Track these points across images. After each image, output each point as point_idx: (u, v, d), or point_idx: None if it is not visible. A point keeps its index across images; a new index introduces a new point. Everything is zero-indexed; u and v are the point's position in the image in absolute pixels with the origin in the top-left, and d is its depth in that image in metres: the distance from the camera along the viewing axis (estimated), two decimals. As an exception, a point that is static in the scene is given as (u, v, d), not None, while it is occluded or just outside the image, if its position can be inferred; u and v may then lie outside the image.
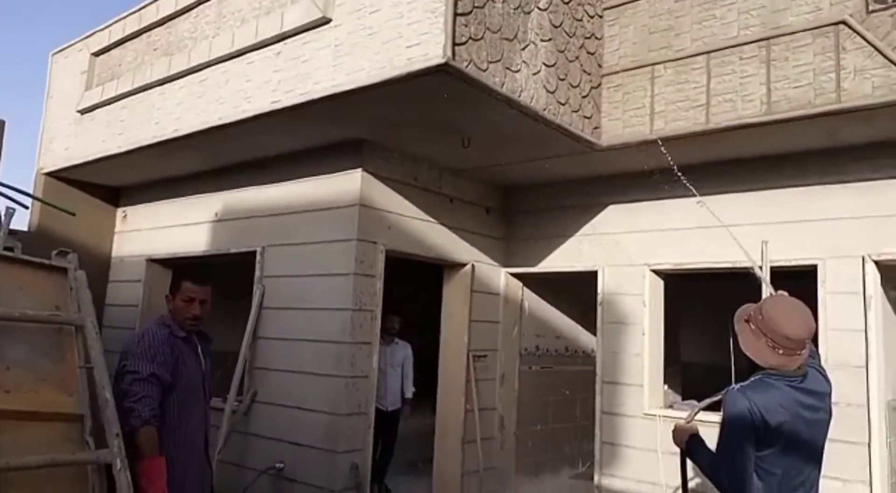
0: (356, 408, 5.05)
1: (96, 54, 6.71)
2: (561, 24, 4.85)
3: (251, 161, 6.03)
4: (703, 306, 7.18)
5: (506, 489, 6.36)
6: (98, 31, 6.70)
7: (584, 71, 5.06)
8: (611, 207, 6.01)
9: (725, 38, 4.61)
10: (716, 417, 2.26)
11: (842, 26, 4.13)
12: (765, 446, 2.17)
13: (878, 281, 4.67)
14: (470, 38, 4.03)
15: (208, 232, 6.44)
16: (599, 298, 5.92)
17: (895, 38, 3.95)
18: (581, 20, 5.06)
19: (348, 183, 5.29)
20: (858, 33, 4.06)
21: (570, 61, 4.93)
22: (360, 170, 5.24)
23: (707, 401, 2.49)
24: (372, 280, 5.21)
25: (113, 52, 6.55)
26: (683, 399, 6.99)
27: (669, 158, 4.41)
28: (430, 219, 5.86)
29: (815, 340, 4.61)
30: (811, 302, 4.77)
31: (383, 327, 5.96)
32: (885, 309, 4.81)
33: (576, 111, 4.95)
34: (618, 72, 5.15)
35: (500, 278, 6.60)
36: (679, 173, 4.03)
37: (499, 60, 4.26)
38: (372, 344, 5.19)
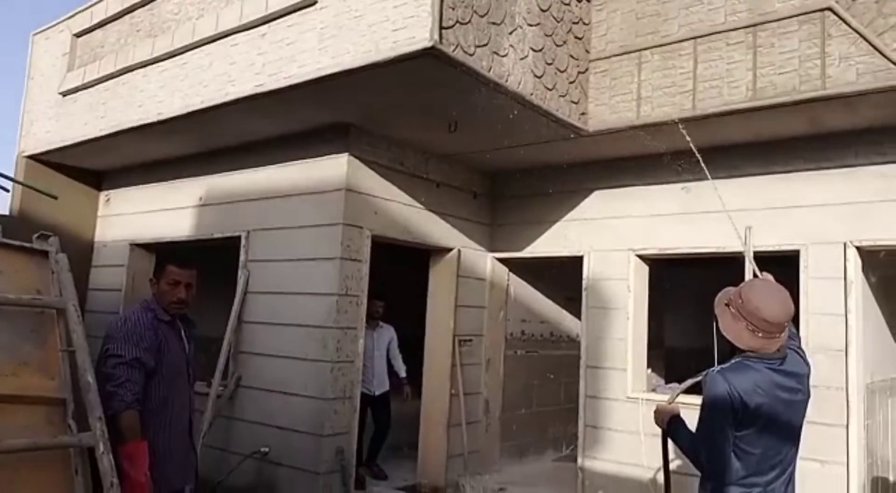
0: (341, 393, 5.06)
1: (78, 35, 6.60)
2: (549, 9, 4.82)
3: (236, 145, 5.97)
4: (687, 291, 7.23)
5: (490, 472, 6.41)
6: (80, 11, 6.58)
7: (572, 56, 5.05)
8: (597, 193, 6.02)
9: (712, 24, 4.61)
10: (697, 399, 2.29)
11: (828, 13, 4.14)
12: (743, 427, 2.21)
13: (860, 267, 4.73)
14: (457, 21, 4.00)
15: (193, 216, 6.39)
16: (585, 283, 5.95)
17: (880, 25, 3.97)
18: (569, 4, 5.04)
19: (334, 167, 5.26)
20: (844, 20, 4.08)
21: (558, 46, 4.91)
22: (346, 154, 5.21)
23: (688, 383, 2.53)
24: (358, 265, 5.20)
25: (95, 33, 6.44)
26: (666, 383, 7.07)
27: (688, 139, 4.39)
28: (417, 204, 5.85)
29: (796, 323, 4.68)
30: (793, 287, 4.84)
31: (368, 312, 5.97)
32: (866, 294, 4.88)
33: (563, 96, 4.94)
34: (605, 57, 5.13)
35: (487, 263, 6.61)
36: (698, 155, 4.01)
37: (486, 44, 4.23)
38: (357, 329, 5.20)
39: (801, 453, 2.49)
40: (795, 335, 2.55)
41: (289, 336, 5.25)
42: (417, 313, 6.37)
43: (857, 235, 4.69)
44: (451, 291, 6.18)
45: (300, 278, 5.28)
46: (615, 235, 5.82)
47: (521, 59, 4.55)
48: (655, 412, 2.53)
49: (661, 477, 2.80)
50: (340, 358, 5.04)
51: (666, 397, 2.82)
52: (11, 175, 5.86)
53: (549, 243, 6.31)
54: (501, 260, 6.68)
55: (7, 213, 6.62)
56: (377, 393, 6.15)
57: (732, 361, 2.31)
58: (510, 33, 4.46)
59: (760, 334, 2.24)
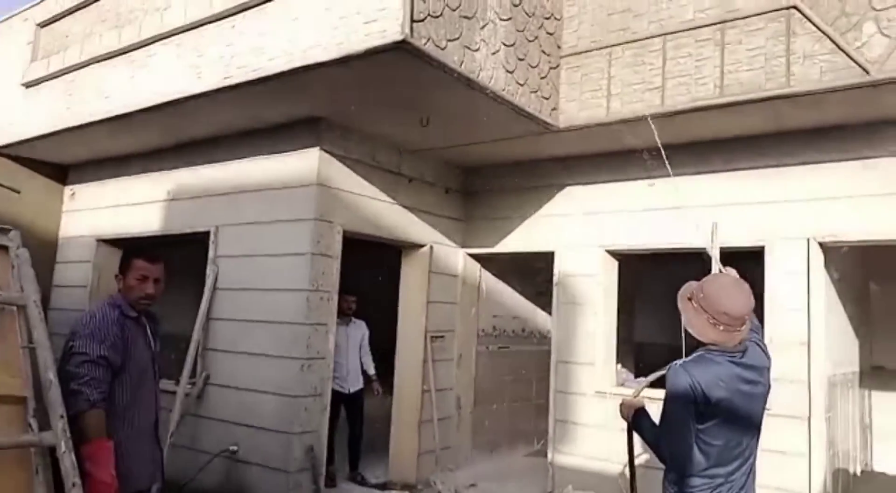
0: (312, 390, 5.02)
1: (42, 25, 6.43)
2: (521, 4, 4.82)
3: (205, 138, 5.89)
4: (657, 287, 7.32)
5: (462, 468, 6.43)
6: (43, 0, 6.42)
7: (544, 51, 5.06)
8: (568, 189, 6.06)
9: (682, 21, 4.65)
10: (662, 392, 2.32)
11: (793, 11, 4.21)
12: (705, 419, 2.25)
13: (822, 262, 4.83)
14: (429, 14, 3.98)
15: (161, 211, 6.28)
16: (555, 278, 5.99)
17: (843, 24, 4.04)
18: None
19: (306, 162, 5.21)
20: (808, 18, 4.15)
21: (530, 41, 4.92)
22: (317, 148, 5.17)
23: (653, 376, 2.56)
24: (329, 260, 5.16)
25: (60, 23, 6.28)
26: (636, 377, 7.15)
27: (656, 135, 4.44)
28: (389, 199, 5.82)
29: (761, 318, 4.76)
30: (759, 282, 4.93)
31: (340, 308, 5.93)
32: (828, 289, 4.98)
33: (534, 92, 4.95)
34: (576, 53, 5.16)
35: (459, 258, 6.62)
36: (663, 151, 4.06)
37: (457, 38, 4.22)
38: (328, 325, 5.17)
39: (764, 444, 2.54)
40: (758, 328, 2.60)
41: (258, 333, 5.20)
42: (390, 309, 6.35)
43: (819, 232, 4.79)
44: (423, 287, 6.18)
45: (270, 274, 5.22)
46: (585, 231, 5.86)
47: (493, 53, 4.55)
48: (621, 405, 2.56)
49: (629, 471, 2.82)
50: (311, 355, 5.00)
51: (632, 392, 2.85)
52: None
53: (520, 239, 6.33)
54: (474, 256, 6.69)
55: (-34, 208, 6.45)
56: (352, 390, 6.05)
57: (695, 354, 2.35)
58: (482, 28, 4.46)
59: (721, 328, 2.28)
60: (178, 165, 6.18)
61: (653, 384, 2.56)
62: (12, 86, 6.53)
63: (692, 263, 4.97)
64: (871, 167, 4.63)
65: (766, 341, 4.79)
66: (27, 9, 6.61)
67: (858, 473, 6.18)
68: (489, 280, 6.96)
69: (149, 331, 3.13)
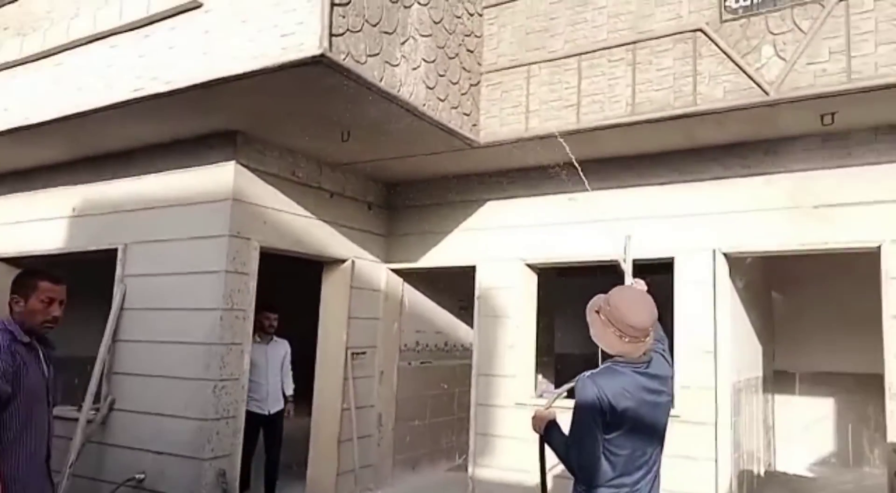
0: (224, 412, 4.84)
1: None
2: (441, 21, 4.87)
3: (115, 152, 5.64)
4: (576, 298, 7.48)
5: (383, 487, 6.34)
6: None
7: (464, 68, 5.12)
8: (489, 203, 6.13)
9: (596, 41, 4.81)
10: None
11: (699, 33, 4.43)
12: (612, 429, 2.30)
13: (727, 273, 5.07)
14: (348, 29, 3.97)
15: (65, 228, 5.95)
16: (477, 292, 6.03)
17: (744, 47, 4.28)
18: (461, 17, 5.12)
19: (221, 176, 5.06)
20: (713, 41, 4.38)
21: (450, 58, 4.97)
22: (233, 162, 5.03)
23: (564, 388, 2.59)
24: (244, 278, 5.00)
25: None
26: (556, 388, 7.26)
27: (569, 152, 4.54)
28: (309, 214, 5.72)
29: (671, 328, 4.94)
30: (671, 292, 5.13)
31: (261, 326, 5.75)
32: (733, 298, 5.24)
33: (455, 108, 4.99)
34: (497, 70, 5.25)
35: (382, 273, 6.56)
36: (578, 166, 4.17)
37: (378, 54, 4.21)
38: (243, 344, 5.00)
39: (673, 450, 2.62)
40: (663, 339, 2.69)
41: (168, 354, 4.97)
42: (311, 326, 6.20)
43: (724, 243, 5.02)
44: (345, 302, 6.08)
45: (182, 293, 5.01)
46: (506, 245, 5.94)
47: (414, 69, 4.56)
48: (533, 418, 2.58)
49: (540, 484, 2.85)
50: (224, 376, 4.82)
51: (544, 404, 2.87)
52: None
53: (443, 254, 6.35)
54: (396, 271, 6.65)
55: None
56: (271, 412, 5.81)
57: (602, 366, 2.40)
58: (402, 43, 4.46)
59: (627, 339, 2.34)
60: (86, 179, 5.87)
61: (569, 394, 2.59)
62: None
63: (609, 274, 5.11)
64: (773, 183, 4.91)
65: (676, 349, 4.99)
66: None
67: (762, 473, 6.49)
68: (412, 295, 6.93)
69: (42, 356, 2.93)
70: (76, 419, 5.02)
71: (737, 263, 5.22)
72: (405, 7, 4.50)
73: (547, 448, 2.53)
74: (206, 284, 4.91)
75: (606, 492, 2.31)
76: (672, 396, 2.50)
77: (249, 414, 5.35)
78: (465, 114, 5.12)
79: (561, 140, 4.67)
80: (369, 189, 6.48)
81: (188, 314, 4.94)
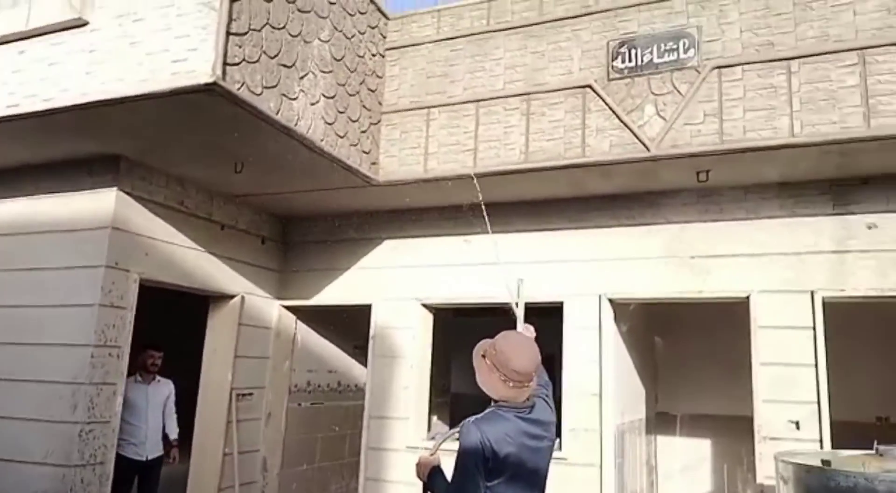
0: (91, 458, 4.47)
1: None
2: (342, 58, 4.87)
3: (-23, 171, 5.19)
4: (472, 339, 7.51)
5: (266, 536, 6.03)
6: None
7: (365, 106, 5.13)
8: (387, 242, 6.11)
9: (493, 90, 4.98)
10: (459, 447, 2.33)
11: (588, 89, 4.67)
12: (494, 475, 2.28)
13: (612, 317, 5.27)
14: (244, 59, 3.89)
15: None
16: (372, 331, 5.94)
17: (629, 104, 4.55)
18: (363, 57, 5.14)
19: (100, 202, 4.78)
20: (601, 97, 4.62)
21: (351, 95, 4.97)
22: (114, 189, 4.77)
23: (449, 433, 2.56)
24: (121, 312, 4.69)
25: None
26: (451, 429, 7.21)
27: (479, 194, 4.59)
28: (197, 247, 5.47)
29: (558, 371, 5.03)
30: (559, 336, 5.25)
31: (143, 364, 5.37)
32: (617, 342, 5.43)
33: (354, 145, 4.97)
34: (397, 111, 5.30)
35: (273, 310, 6.35)
36: (484, 209, 4.22)
37: (275, 86, 4.15)
38: (116, 384, 4.65)
39: (561, 492, 2.62)
40: (547, 384, 2.72)
41: (27, 395, 4.55)
42: (200, 365, 5.87)
43: (609, 289, 5.23)
44: (232, 340, 5.82)
45: (46, 327, 4.63)
46: (402, 284, 5.92)
47: (313, 104, 4.52)
48: (417, 465, 2.54)
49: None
50: (92, 419, 4.46)
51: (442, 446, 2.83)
52: None
53: (339, 291, 6.24)
54: (289, 308, 6.46)
55: None
56: (150, 458, 5.30)
57: (487, 411, 2.40)
58: (301, 77, 4.42)
59: (511, 384, 2.35)
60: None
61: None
62: None
63: (504, 316, 5.18)
64: (654, 233, 5.18)
65: (564, 391, 5.07)
66: None
67: (646, 513, 6.67)
68: (305, 333, 6.74)
69: None
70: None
71: (621, 308, 5.44)
72: (306, 42, 4.48)
73: None
74: (76, 317, 4.56)
75: None
76: (554, 441, 2.52)
77: (125, 460, 4.98)
78: (365, 152, 5.11)
79: (475, 182, 4.73)
80: (263, 223, 6.30)
81: (52, 351, 4.56)
